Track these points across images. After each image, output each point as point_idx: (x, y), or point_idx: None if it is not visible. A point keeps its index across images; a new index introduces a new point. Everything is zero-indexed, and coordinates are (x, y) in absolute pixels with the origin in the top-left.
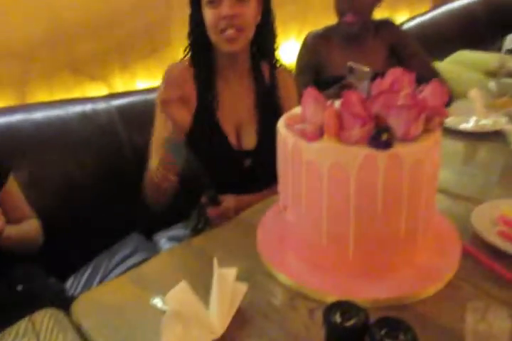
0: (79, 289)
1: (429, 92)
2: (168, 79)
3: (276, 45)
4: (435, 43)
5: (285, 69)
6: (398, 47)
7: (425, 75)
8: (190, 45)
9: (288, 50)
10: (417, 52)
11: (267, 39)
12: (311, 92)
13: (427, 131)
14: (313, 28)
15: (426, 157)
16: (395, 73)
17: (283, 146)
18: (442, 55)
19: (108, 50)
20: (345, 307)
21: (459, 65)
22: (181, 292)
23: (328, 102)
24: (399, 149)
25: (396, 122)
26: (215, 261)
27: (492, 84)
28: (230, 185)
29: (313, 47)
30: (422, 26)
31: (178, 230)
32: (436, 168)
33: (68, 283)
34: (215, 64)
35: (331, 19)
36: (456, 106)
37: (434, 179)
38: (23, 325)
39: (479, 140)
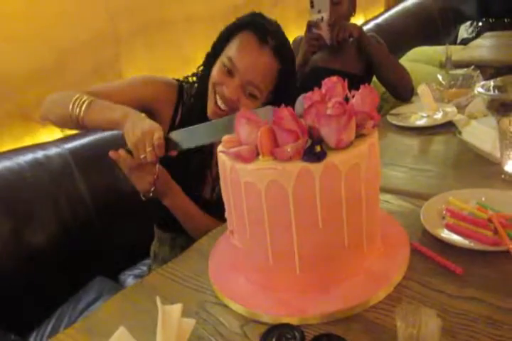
0: None
1: (359, 98)
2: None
3: None
4: (394, 43)
5: None
6: None
7: None
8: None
9: None
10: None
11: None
12: (243, 113)
13: (361, 136)
14: None
15: (361, 162)
16: (328, 83)
17: (223, 171)
18: (402, 55)
19: None
20: (281, 330)
21: (414, 61)
22: (120, 338)
23: (262, 121)
24: (333, 158)
25: (327, 132)
26: (158, 300)
27: (440, 77)
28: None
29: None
30: (378, 29)
31: (144, 267)
32: (375, 172)
33: (31, 339)
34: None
35: None
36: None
37: (375, 182)
38: None
39: (433, 134)
